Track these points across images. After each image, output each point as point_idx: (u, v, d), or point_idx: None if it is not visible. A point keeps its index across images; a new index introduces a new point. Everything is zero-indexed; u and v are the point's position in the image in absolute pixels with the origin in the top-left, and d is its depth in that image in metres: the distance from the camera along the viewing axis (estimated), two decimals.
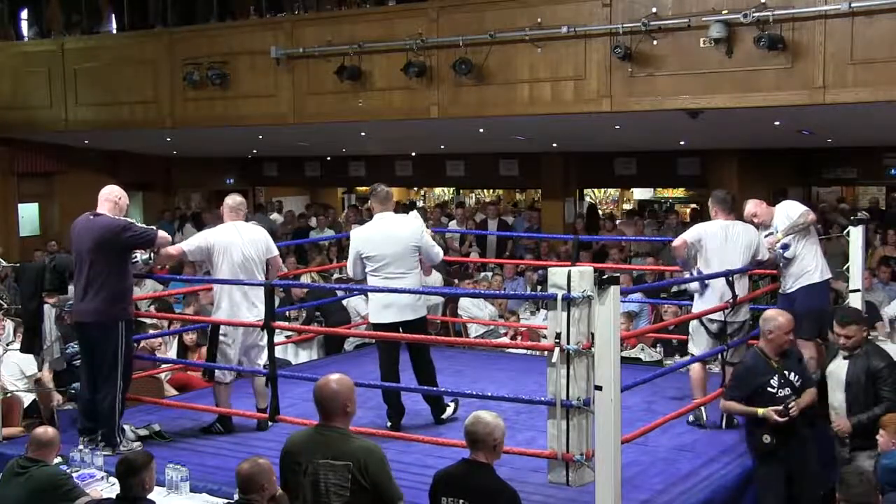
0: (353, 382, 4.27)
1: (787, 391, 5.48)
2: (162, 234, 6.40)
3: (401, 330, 6.50)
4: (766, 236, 7.00)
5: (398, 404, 6.58)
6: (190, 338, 8.79)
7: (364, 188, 21.59)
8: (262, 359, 6.72)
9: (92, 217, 6.25)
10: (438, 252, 6.75)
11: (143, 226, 6.39)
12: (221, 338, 6.68)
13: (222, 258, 6.57)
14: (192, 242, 6.71)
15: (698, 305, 6.76)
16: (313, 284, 10.73)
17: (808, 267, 6.93)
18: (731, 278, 6.52)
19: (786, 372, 5.53)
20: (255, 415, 6.70)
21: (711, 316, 6.65)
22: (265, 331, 6.42)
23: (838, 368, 5.89)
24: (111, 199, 6.32)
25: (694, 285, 6.80)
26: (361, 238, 6.62)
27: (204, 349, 7.54)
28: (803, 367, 5.79)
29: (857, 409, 5.77)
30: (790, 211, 7.04)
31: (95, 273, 6.13)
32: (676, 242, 6.85)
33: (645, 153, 15.88)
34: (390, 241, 6.47)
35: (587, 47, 10.34)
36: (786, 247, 6.89)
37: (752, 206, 7.20)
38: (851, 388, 5.76)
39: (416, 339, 6.46)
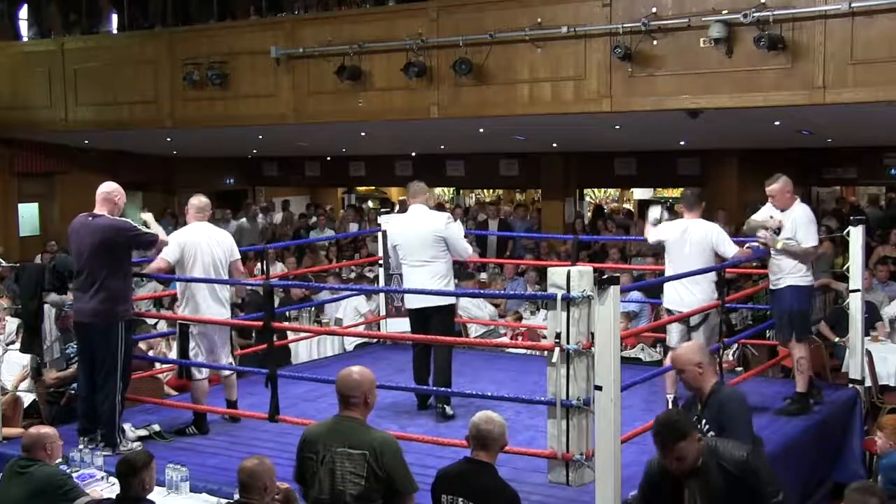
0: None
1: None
2: (162, 236, 6.38)
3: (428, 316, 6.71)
4: (769, 229, 6.78)
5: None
6: None
7: (364, 188, 21.63)
8: (225, 357, 6.80)
9: (91, 218, 6.23)
10: (466, 247, 6.98)
11: (143, 227, 6.36)
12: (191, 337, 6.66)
13: (193, 259, 6.55)
14: (170, 249, 6.52)
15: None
16: (314, 285, 10.72)
17: (799, 267, 6.77)
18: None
19: (703, 420, 4.65)
20: (254, 414, 6.67)
21: (675, 309, 6.75)
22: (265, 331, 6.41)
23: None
24: (110, 199, 6.28)
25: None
26: (390, 228, 7.21)
27: None
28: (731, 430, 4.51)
29: None
30: (798, 232, 6.62)
31: (95, 273, 6.11)
32: (647, 234, 7.17)
33: (645, 153, 15.89)
34: (412, 231, 6.83)
35: (587, 47, 10.36)
36: (768, 254, 6.78)
37: (780, 186, 6.64)
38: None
39: (414, 338, 6.55)
